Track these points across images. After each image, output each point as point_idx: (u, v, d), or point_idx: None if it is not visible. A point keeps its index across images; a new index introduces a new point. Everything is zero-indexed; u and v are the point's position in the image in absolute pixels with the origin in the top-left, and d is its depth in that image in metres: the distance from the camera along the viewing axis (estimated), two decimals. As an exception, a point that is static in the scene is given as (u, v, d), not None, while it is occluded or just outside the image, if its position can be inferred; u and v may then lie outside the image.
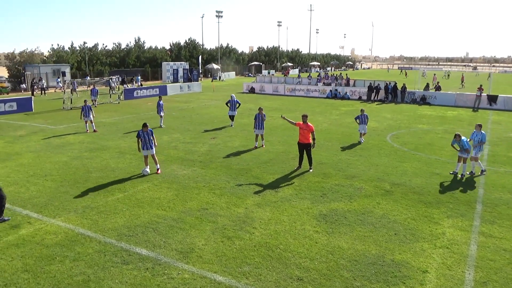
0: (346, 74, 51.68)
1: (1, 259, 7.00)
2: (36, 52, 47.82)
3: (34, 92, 36.09)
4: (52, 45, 77.50)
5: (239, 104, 20.41)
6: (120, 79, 42.98)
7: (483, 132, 12.24)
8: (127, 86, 39.92)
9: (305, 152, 12.36)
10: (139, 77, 47.68)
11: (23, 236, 7.90)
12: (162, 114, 19.87)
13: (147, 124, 11.83)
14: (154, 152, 11.93)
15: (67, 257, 7.07)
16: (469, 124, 22.09)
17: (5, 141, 16.51)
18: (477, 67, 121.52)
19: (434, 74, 49.96)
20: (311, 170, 12.35)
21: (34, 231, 8.11)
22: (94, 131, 18.60)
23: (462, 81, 50.82)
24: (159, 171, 12.06)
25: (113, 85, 34.09)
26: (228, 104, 20.13)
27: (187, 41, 69.85)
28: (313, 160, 12.57)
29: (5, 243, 7.59)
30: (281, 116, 13.80)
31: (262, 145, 15.74)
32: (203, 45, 74.36)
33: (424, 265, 6.96)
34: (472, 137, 12.32)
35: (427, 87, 35.27)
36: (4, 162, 13.02)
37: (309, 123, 12.27)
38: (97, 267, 6.77)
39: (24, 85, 39.93)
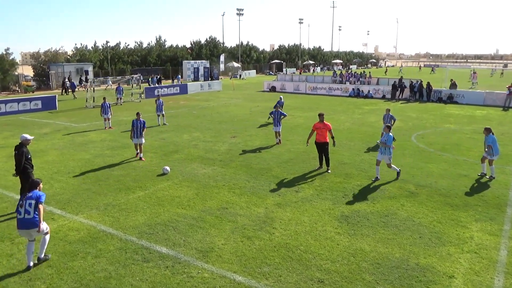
0: (370, 72, 50.65)
1: (26, 254, 7.05)
2: (60, 51, 48.62)
3: (63, 91, 36.95)
4: (75, 44, 78.96)
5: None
6: (158, 78, 44.20)
7: (390, 134, 11.33)
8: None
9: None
10: (179, 76, 48.74)
11: (47, 232, 8.06)
12: (158, 113, 20.01)
13: (140, 113, 13.67)
14: (143, 142, 13.54)
15: (89, 254, 7.17)
16: (499, 123, 21.26)
17: (31, 139, 16.92)
18: (508, 65, 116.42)
19: (474, 72, 47.82)
20: (329, 171, 12.13)
21: (58, 227, 8.25)
22: (110, 127, 19.17)
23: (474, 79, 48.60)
24: (142, 159, 13.48)
25: (153, 84, 34.71)
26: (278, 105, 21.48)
27: (208, 39, 69.88)
28: (330, 161, 12.32)
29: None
30: (307, 145, 12.87)
31: (278, 142, 15.75)
32: (223, 43, 74.39)
33: (450, 270, 6.74)
34: (382, 140, 11.46)
35: (453, 85, 33.91)
36: (30, 159, 13.33)
37: (325, 122, 12.12)
38: (118, 264, 6.84)
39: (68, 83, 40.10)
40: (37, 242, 7.00)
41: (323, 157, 12.27)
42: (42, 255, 7.00)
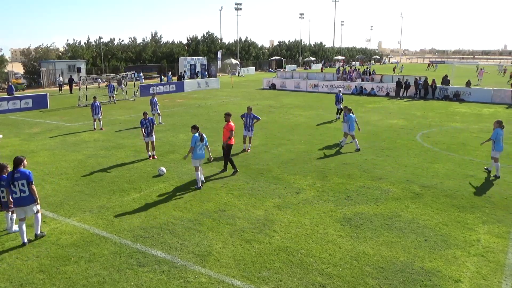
0: (374, 70, 50.00)
1: (17, 258, 7.02)
2: (51, 47, 47.59)
3: (62, 89, 36.63)
4: (67, 40, 77.91)
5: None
6: (182, 73, 45.13)
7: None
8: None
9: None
10: (206, 73, 49.84)
11: (39, 235, 7.88)
12: (153, 112, 19.60)
13: (147, 112, 13.69)
14: (154, 139, 13.59)
15: (82, 258, 7.04)
16: (507, 122, 20.94)
17: (20, 139, 16.69)
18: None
19: (481, 69, 47.35)
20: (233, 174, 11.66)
21: (50, 231, 8.08)
22: (101, 128, 18.72)
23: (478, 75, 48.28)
24: (155, 157, 13.58)
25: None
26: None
27: (205, 35, 68.82)
28: (229, 165, 11.85)
29: (21, 242, 7.55)
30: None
31: (248, 149, 14.43)
32: (221, 39, 73.54)
33: (456, 274, 6.59)
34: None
35: (468, 83, 33.21)
36: (20, 160, 13.09)
37: (229, 123, 11.69)
38: (112, 269, 6.71)
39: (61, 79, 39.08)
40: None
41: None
42: (38, 231, 7.73)
